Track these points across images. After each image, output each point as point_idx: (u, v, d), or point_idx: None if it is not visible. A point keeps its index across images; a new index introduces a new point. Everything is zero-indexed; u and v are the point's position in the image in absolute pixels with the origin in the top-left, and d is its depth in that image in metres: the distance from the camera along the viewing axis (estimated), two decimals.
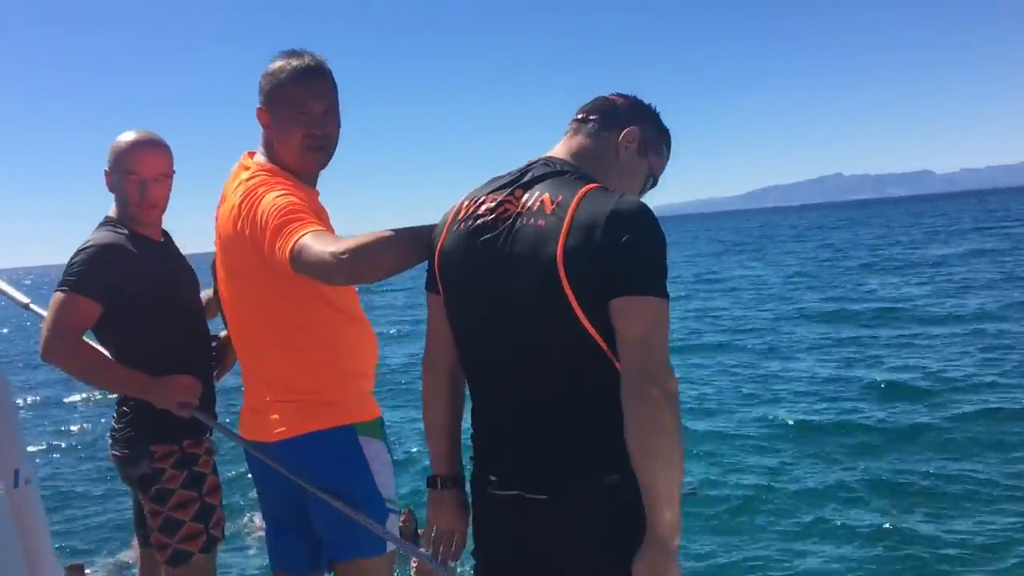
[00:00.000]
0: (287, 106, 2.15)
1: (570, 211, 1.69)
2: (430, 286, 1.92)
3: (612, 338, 1.69)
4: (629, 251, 1.65)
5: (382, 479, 2.19)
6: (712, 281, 32.16)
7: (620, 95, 1.96)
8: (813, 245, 54.60)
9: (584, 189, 1.73)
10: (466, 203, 1.87)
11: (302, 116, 2.15)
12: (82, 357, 2.42)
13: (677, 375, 1.66)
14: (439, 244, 1.88)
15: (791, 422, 10.84)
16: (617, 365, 1.70)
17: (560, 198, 1.73)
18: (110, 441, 2.66)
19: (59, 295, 2.41)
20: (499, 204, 1.80)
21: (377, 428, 2.23)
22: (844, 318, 19.94)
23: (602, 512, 1.73)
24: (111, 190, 2.63)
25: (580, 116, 1.93)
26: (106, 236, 2.54)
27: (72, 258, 2.48)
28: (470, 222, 1.82)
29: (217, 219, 2.26)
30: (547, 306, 1.70)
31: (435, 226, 1.92)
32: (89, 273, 2.43)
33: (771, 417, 11.17)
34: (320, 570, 2.35)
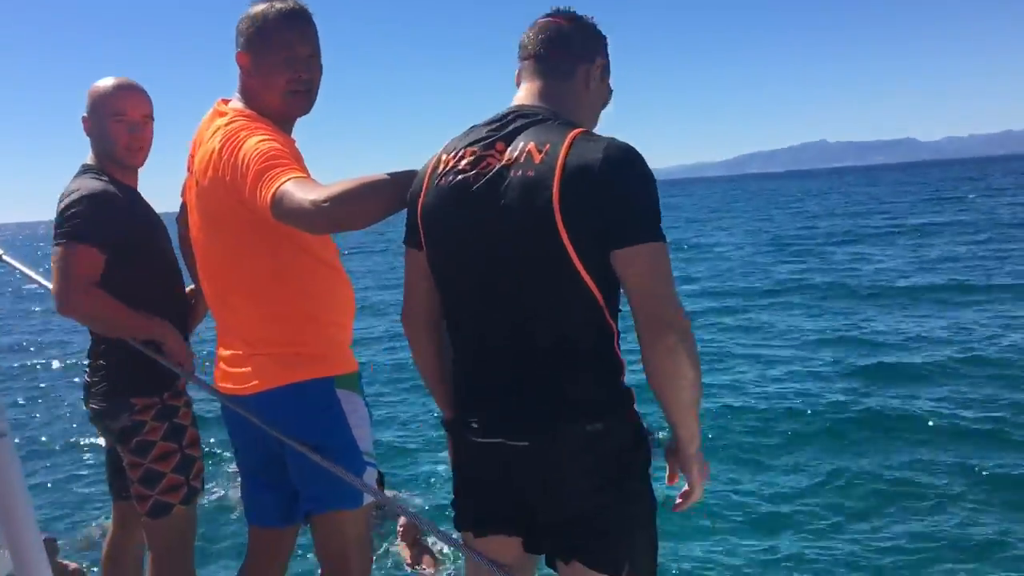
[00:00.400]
0: (273, 49, 2.10)
1: (560, 159, 1.67)
2: (410, 241, 1.90)
3: (607, 287, 1.71)
4: (625, 199, 1.66)
5: (360, 432, 2.18)
6: (688, 248, 31.90)
7: (561, 16, 1.90)
8: (790, 213, 54.47)
9: (571, 136, 1.71)
10: (445, 157, 1.84)
11: (288, 59, 2.11)
12: (101, 305, 2.39)
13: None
14: (420, 200, 1.84)
15: (758, 406, 10.07)
16: (608, 318, 1.74)
17: (547, 146, 1.71)
18: (84, 396, 2.64)
19: (61, 248, 2.38)
20: (480, 158, 1.77)
21: (355, 381, 2.21)
22: (820, 290, 19.34)
23: (583, 460, 1.74)
24: (91, 136, 2.58)
25: (537, 53, 1.87)
26: (94, 184, 2.49)
27: (65, 208, 2.43)
28: (451, 177, 1.79)
29: (192, 166, 2.21)
30: (542, 256, 1.69)
31: (415, 173, 1.89)
32: (88, 221, 2.39)
33: (736, 403, 10.31)
34: (295, 523, 2.35)
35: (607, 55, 1.94)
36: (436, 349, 1.99)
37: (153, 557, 2.58)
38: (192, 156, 2.21)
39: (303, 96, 2.17)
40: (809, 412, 9.65)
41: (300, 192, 1.80)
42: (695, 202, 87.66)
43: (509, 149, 1.75)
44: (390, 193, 1.87)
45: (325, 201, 1.75)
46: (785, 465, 8.25)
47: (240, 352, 2.18)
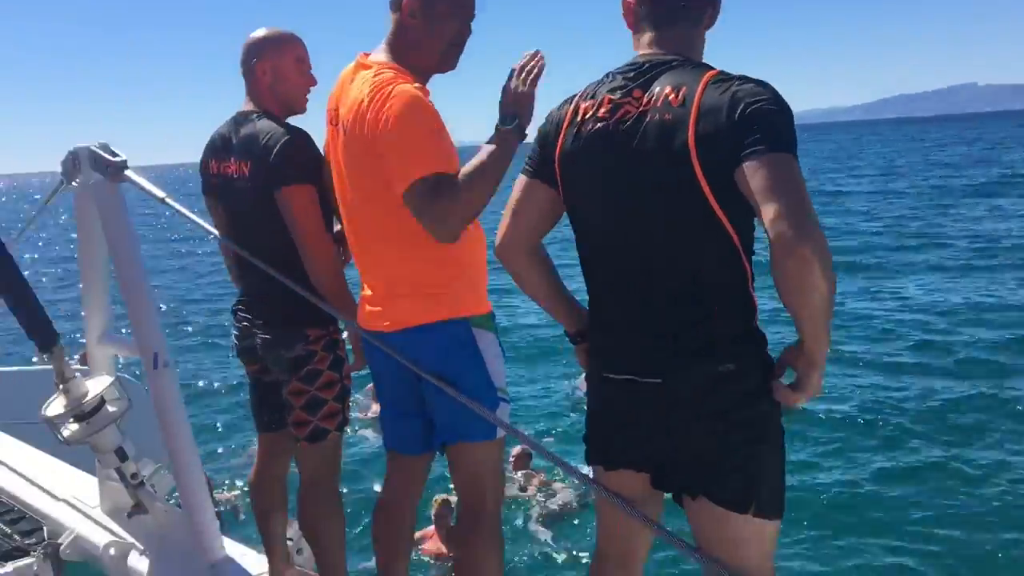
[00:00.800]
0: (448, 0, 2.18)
1: (696, 99, 1.70)
2: (537, 173, 1.98)
3: (742, 225, 1.73)
4: (755, 118, 1.65)
5: (494, 369, 2.28)
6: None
7: None
8: (921, 161, 50.88)
9: (706, 77, 1.73)
10: (584, 104, 1.89)
11: (462, 10, 2.19)
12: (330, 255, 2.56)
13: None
14: (558, 144, 1.92)
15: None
16: (743, 257, 1.76)
17: (684, 89, 1.73)
18: (241, 330, 2.78)
19: (295, 188, 2.46)
20: (619, 106, 1.82)
21: (489, 321, 2.30)
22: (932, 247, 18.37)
23: (713, 399, 1.78)
24: (265, 82, 2.62)
25: (671, 2, 1.87)
26: (283, 125, 2.57)
27: (279, 151, 2.48)
28: (591, 124, 1.86)
29: (334, 119, 2.29)
30: (680, 195, 1.73)
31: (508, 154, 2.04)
32: (308, 161, 2.49)
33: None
34: (431, 451, 2.48)
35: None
36: (545, 269, 2.10)
37: (304, 479, 2.75)
38: (334, 110, 2.29)
39: (459, 52, 2.25)
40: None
41: (431, 207, 2.00)
42: (823, 149, 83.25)
43: (646, 95, 1.79)
44: (499, 177, 2.04)
45: (450, 224, 2.01)
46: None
47: (384, 294, 2.30)
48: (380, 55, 2.24)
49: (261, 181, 2.50)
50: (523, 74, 2.06)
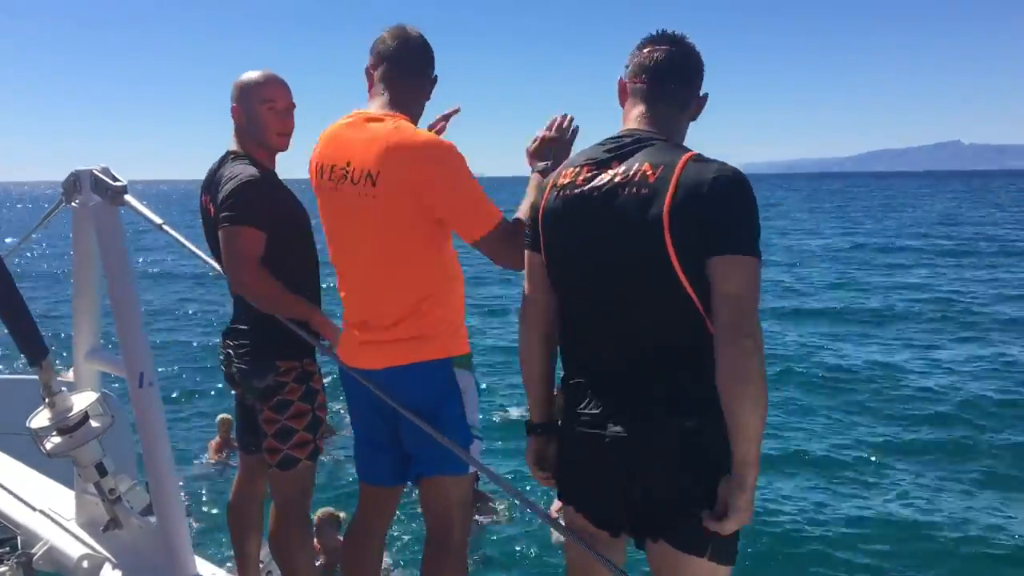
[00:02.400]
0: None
1: (674, 178, 1.83)
2: (532, 245, 2.11)
3: (706, 295, 1.84)
4: (729, 215, 1.80)
5: (470, 408, 2.42)
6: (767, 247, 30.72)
7: (670, 41, 2.02)
8: (898, 216, 51.54)
9: (685, 158, 1.87)
10: (565, 171, 2.04)
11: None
12: (267, 285, 2.63)
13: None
14: (541, 209, 2.06)
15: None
16: (707, 321, 1.86)
17: (661, 167, 1.86)
18: (225, 357, 2.91)
19: (228, 230, 2.61)
20: (596, 175, 1.96)
21: (468, 361, 2.44)
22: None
23: (675, 452, 1.89)
24: (240, 123, 2.81)
25: (653, 79, 1.99)
26: (250, 169, 2.70)
27: (228, 194, 2.63)
28: (569, 191, 1.99)
29: (346, 169, 2.34)
30: (649, 264, 1.86)
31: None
32: (251, 205, 2.62)
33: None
34: (403, 483, 2.60)
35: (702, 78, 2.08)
36: (546, 356, 2.17)
37: (275, 503, 2.86)
38: (338, 166, 2.36)
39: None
40: None
41: (507, 249, 2.29)
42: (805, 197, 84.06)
43: (624, 167, 1.92)
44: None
45: (518, 266, 2.22)
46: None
47: (373, 335, 2.41)
48: (403, 121, 2.33)
49: (217, 219, 2.65)
50: (563, 124, 2.37)
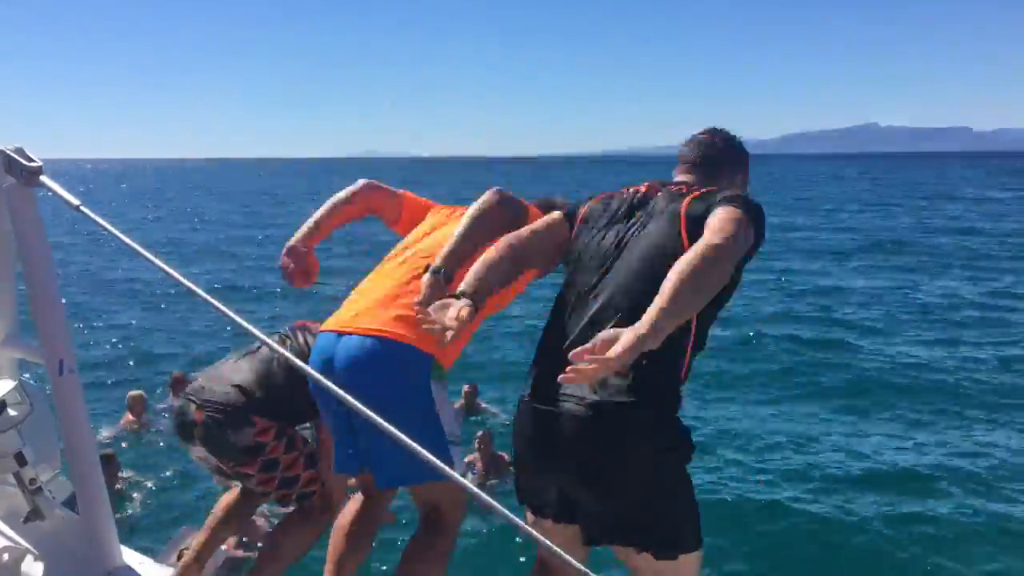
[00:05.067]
0: None
1: (689, 197, 2.11)
2: (570, 219, 2.33)
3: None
4: (730, 195, 2.06)
5: (445, 416, 2.44)
6: None
7: (717, 136, 2.33)
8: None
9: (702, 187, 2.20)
10: (601, 195, 2.35)
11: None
12: None
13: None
14: (580, 214, 2.33)
15: None
16: (693, 323, 1.99)
17: (683, 187, 2.22)
18: (183, 403, 2.86)
19: None
20: (620, 194, 2.30)
21: (445, 375, 2.49)
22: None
23: (625, 444, 1.94)
24: None
25: (694, 161, 2.31)
26: None
27: None
28: (608, 201, 2.30)
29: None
30: (660, 245, 2.04)
31: None
32: None
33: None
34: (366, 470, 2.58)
35: (747, 168, 2.38)
36: (509, 263, 2.20)
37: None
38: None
39: None
40: None
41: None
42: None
43: (645, 191, 2.24)
44: None
45: None
46: None
47: (376, 307, 2.47)
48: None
49: None
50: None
